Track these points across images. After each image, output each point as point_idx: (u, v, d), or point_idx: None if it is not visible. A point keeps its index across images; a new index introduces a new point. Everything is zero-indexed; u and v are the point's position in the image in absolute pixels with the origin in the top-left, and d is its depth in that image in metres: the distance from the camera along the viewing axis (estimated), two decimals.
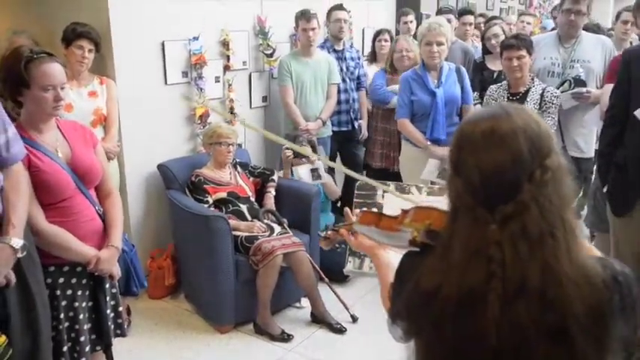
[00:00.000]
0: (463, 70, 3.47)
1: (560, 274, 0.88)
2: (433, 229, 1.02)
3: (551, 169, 0.91)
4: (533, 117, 0.95)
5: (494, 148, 0.91)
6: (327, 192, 3.81)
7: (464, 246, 0.92)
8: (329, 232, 1.43)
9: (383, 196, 1.66)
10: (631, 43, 4.04)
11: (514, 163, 0.90)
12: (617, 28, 4.09)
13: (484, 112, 0.99)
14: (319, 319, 3.14)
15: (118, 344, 2.63)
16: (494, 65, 3.94)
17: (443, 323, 0.93)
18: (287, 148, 3.59)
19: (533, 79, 3.13)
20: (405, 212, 1.11)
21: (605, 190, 2.57)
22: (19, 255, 1.61)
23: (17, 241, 1.61)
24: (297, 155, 3.61)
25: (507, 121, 0.92)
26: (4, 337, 1.42)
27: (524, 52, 3.02)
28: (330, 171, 3.86)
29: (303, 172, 3.67)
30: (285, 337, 2.99)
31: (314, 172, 3.69)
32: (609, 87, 2.76)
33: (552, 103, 3.03)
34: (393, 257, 1.28)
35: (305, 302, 3.30)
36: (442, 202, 1.03)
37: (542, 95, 3.05)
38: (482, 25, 5.24)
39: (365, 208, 1.31)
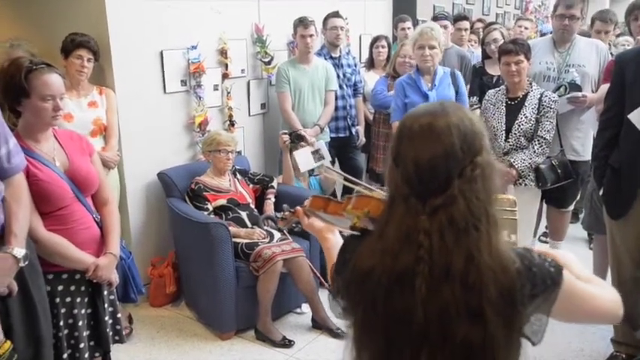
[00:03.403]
0: (458, 73, 3.51)
1: (480, 263, 0.96)
2: (371, 216, 1.11)
3: (480, 166, 0.99)
4: (469, 116, 1.02)
5: (430, 142, 0.99)
6: (323, 185, 3.82)
7: (397, 232, 1.00)
8: (286, 213, 1.49)
9: None
10: (624, 46, 4.06)
11: (447, 156, 0.97)
12: (592, 36, 4.09)
13: (425, 108, 1.06)
14: (320, 324, 3.15)
15: (120, 352, 2.66)
16: (494, 70, 3.96)
17: (376, 301, 1.01)
18: (284, 134, 3.63)
19: (531, 83, 3.15)
20: (349, 199, 1.19)
21: (601, 192, 2.59)
22: (22, 264, 1.63)
23: (19, 251, 1.62)
24: (294, 140, 3.63)
25: (444, 118, 1.00)
26: (9, 343, 1.44)
27: (522, 57, 3.04)
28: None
29: (303, 156, 3.67)
30: (286, 343, 3.01)
31: (315, 153, 3.71)
32: (605, 87, 2.78)
33: (550, 108, 3.05)
34: (341, 240, 1.36)
35: (306, 308, 3.31)
36: None
37: (540, 100, 3.07)
38: (480, 30, 5.27)
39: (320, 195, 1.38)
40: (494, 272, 0.96)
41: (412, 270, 0.98)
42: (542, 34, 6.04)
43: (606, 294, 1.12)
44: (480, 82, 3.97)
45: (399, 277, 0.99)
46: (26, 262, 1.64)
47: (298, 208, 1.44)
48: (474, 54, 4.77)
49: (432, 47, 3.30)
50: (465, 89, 3.46)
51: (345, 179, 1.31)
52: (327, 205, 1.27)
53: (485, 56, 4.19)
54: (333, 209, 1.25)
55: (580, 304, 1.07)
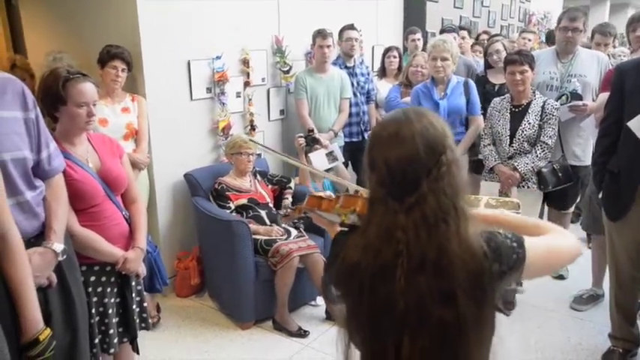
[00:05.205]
0: (471, 83, 3.47)
1: (450, 252, 1.00)
2: (359, 213, 1.15)
3: (445, 164, 1.02)
4: (431, 120, 1.06)
5: (397, 147, 1.03)
6: (336, 187, 3.81)
7: (377, 229, 1.04)
8: (289, 211, 1.51)
9: None
10: (620, 57, 3.98)
11: (412, 159, 1.02)
12: (592, 48, 4.03)
13: (392, 117, 1.10)
14: (333, 316, 3.14)
15: (148, 339, 2.68)
16: (496, 79, 3.92)
17: (362, 291, 1.06)
18: (300, 137, 3.63)
19: (534, 92, 3.11)
20: (337, 197, 1.23)
21: (600, 195, 2.55)
22: (60, 258, 1.64)
23: (58, 246, 1.64)
24: (310, 143, 3.63)
25: (407, 125, 1.04)
26: (49, 330, 1.45)
27: (526, 67, 3.01)
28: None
29: (318, 157, 3.67)
30: (301, 333, 3.01)
31: (329, 155, 3.72)
32: (604, 95, 2.74)
33: (552, 115, 3.02)
34: None
35: (320, 301, 3.31)
36: None
37: (543, 107, 3.04)
38: (485, 41, 5.23)
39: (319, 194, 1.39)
40: (464, 259, 0.99)
41: (392, 263, 1.02)
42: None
43: (564, 241, 1.14)
44: (482, 90, 3.93)
45: (381, 270, 1.03)
46: (64, 257, 1.66)
47: (299, 207, 1.45)
48: (479, 63, 4.73)
49: (443, 59, 3.28)
50: (476, 98, 3.42)
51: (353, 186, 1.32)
52: (320, 204, 1.30)
53: (488, 66, 4.15)
54: (325, 207, 1.28)
55: (543, 264, 1.11)
